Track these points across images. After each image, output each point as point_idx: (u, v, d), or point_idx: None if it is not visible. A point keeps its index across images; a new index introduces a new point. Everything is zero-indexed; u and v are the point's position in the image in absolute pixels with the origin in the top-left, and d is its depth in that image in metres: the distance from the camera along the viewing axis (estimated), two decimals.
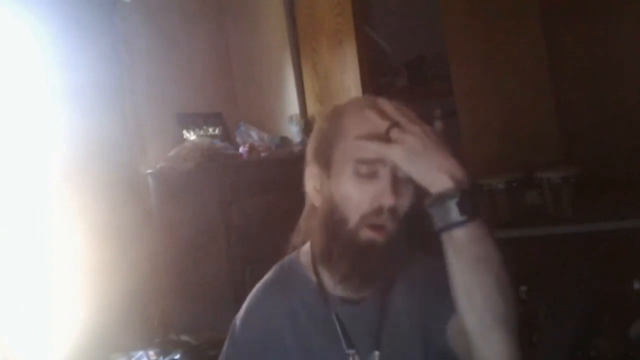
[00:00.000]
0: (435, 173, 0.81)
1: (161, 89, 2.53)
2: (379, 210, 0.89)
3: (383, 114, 0.87)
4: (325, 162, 0.94)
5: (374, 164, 0.89)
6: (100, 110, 2.17)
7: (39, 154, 1.98)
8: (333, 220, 0.91)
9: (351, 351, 0.94)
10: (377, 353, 0.94)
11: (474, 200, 0.79)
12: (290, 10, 2.99)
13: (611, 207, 2.28)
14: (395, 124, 0.85)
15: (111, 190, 2.16)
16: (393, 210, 0.89)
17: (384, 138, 0.85)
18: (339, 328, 0.95)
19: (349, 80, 2.85)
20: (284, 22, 2.96)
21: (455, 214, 0.79)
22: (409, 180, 0.87)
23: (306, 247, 1.03)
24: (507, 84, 2.65)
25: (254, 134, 2.79)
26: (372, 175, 0.89)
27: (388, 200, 0.88)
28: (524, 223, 2.36)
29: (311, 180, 0.98)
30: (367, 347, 0.94)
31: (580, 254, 2.20)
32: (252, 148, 2.64)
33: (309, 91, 2.98)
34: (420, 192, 0.88)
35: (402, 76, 3.24)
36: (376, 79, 3.05)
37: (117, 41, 2.33)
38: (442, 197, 0.79)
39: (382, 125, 0.86)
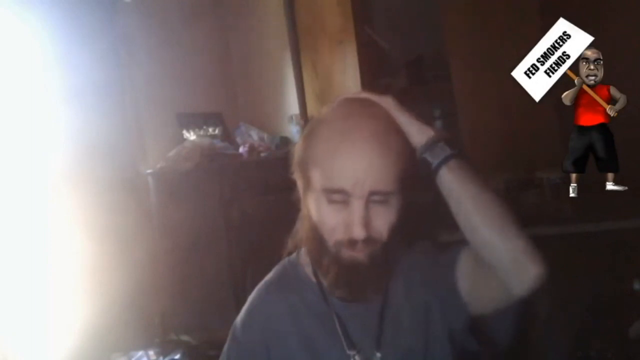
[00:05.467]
0: (422, 124, 0.93)
1: (161, 88, 2.53)
2: (352, 242, 0.89)
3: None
4: (305, 178, 0.95)
5: (340, 193, 0.89)
6: (100, 110, 2.17)
7: (39, 154, 1.98)
8: (315, 236, 0.93)
9: (352, 352, 0.94)
10: (378, 355, 0.94)
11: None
12: (290, 10, 2.98)
13: (611, 207, 2.27)
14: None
15: (111, 191, 2.15)
16: (367, 240, 0.89)
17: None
18: (339, 328, 0.95)
19: (349, 80, 2.84)
20: (284, 22, 2.96)
21: (447, 150, 0.90)
22: (386, 202, 0.89)
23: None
24: (507, 84, 2.64)
25: (254, 134, 2.79)
26: (344, 202, 0.89)
27: (358, 234, 0.88)
28: (523, 223, 2.35)
29: (298, 186, 0.99)
30: (369, 348, 0.94)
31: (580, 254, 2.19)
32: (252, 148, 2.63)
33: (309, 91, 2.97)
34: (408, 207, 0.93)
35: (402, 76, 3.24)
36: (376, 79, 3.04)
37: (117, 41, 2.33)
38: (434, 141, 0.91)
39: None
